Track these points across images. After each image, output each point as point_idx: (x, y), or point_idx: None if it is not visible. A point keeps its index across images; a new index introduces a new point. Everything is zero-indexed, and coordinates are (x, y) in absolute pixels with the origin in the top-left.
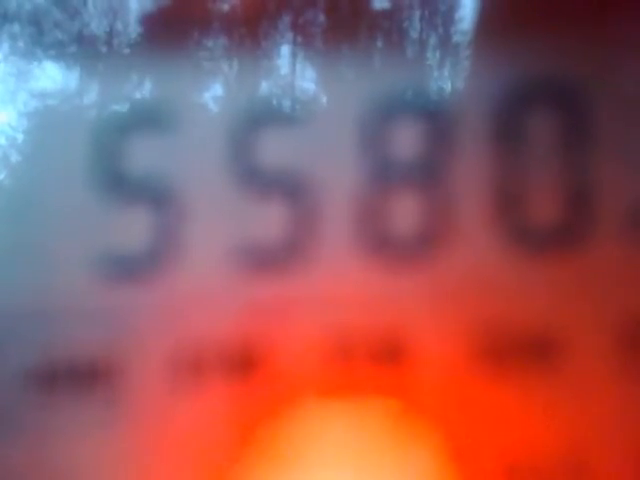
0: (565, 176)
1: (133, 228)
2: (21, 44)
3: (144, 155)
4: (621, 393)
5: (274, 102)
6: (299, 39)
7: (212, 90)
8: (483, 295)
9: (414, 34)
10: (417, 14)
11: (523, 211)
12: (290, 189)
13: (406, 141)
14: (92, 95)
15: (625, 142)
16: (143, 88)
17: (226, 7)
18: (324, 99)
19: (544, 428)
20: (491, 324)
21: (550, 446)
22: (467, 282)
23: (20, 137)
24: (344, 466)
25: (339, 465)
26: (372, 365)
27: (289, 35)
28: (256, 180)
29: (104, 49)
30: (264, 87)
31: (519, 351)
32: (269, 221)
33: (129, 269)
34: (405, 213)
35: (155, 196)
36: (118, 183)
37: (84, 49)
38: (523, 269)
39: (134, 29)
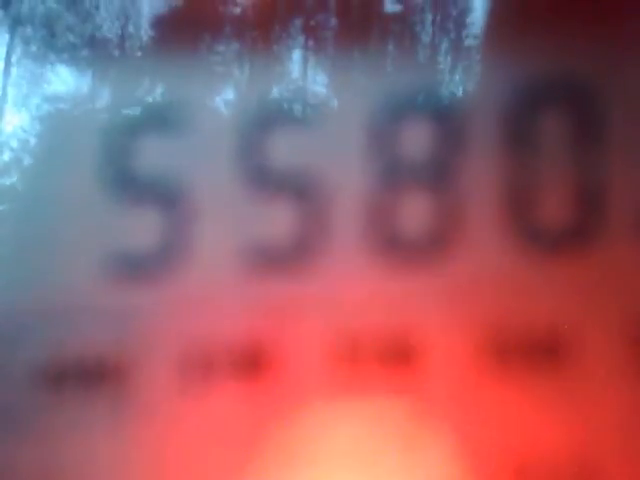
0: (576, 176)
1: (143, 228)
2: (34, 47)
3: (155, 158)
4: (630, 392)
5: (285, 105)
6: (310, 42)
7: (223, 93)
8: (493, 296)
9: (425, 37)
10: (428, 17)
11: (533, 212)
12: (300, 191)
13: (417, 143)
14: (104, 98)
15: (637, 142)
16: (155, 91)
17: (238, 10)
18: (335, 102)
19: (554, 428)
20: (501, 325)
21: (560, 446)
22: (477, 282)
23: (32, 140)
24: (353, 467)
25: (348, 466)
26: (381, 365)
27: (300, 38)
28: (266, 181)
29: (116, 52)
30: (275, 90)
31: (529, 351)
32: (278, 222)
33: (139, 268)
34: (415, 214)
35: (166, 198)
36: (129, 186)
37: (96, 52)
38: (533, 269)
39: (146, 32)
